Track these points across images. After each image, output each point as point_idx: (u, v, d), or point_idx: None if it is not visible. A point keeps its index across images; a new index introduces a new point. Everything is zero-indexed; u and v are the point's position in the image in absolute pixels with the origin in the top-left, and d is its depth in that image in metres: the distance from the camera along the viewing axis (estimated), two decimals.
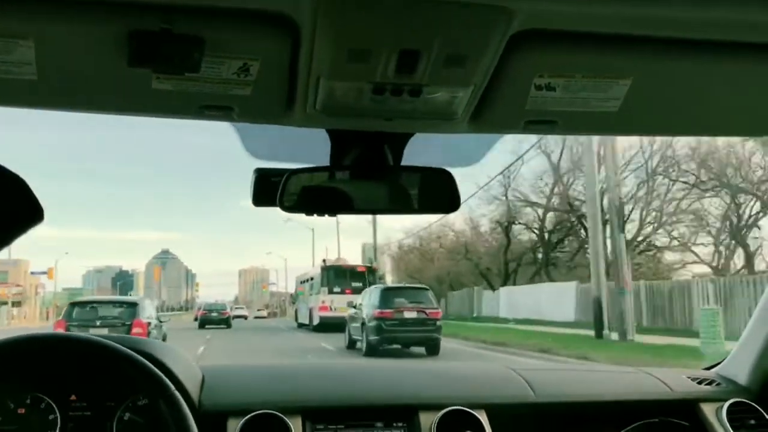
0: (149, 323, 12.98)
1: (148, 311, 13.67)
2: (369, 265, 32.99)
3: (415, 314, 15.61)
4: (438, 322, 15.80)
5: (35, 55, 0.89)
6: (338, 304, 25.07)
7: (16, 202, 0.50)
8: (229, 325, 34.60)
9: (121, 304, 13.52)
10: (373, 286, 18.47)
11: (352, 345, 17.41)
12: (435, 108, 1.09)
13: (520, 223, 37.98)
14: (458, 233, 42.77)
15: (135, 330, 12.43)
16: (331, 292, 26.66)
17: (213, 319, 34.83)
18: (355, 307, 17.75)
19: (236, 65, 0.94)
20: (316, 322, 26.90)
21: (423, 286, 19.56)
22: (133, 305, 13.02)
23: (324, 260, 30.30)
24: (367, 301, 16.41)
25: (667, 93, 1.09)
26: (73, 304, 14.16)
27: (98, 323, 12.64)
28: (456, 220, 41.42)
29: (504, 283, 37.41)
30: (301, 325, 32.19)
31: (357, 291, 23.74)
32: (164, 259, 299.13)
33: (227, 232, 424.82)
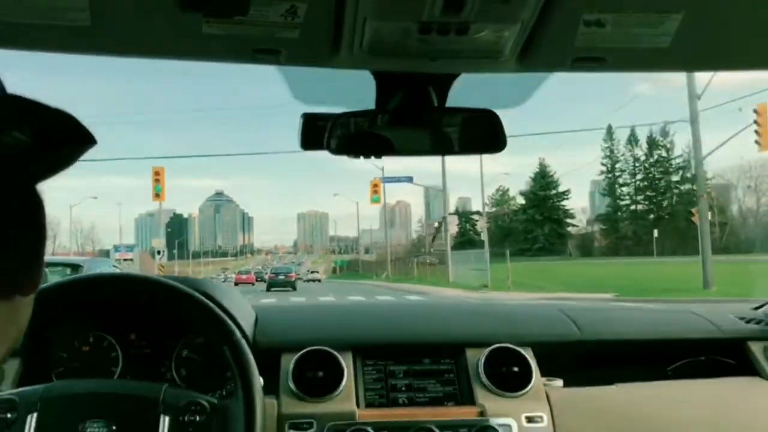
0: None
1: None
2: None
3: None
4: None
5: (89, 0, 0.91)
6: None
7: (65, 129, 0.51)
8: (294, 288, 34.90)
9: (61, 266, 9.89)
10: None
11: None
12: (481, 47, 1.08)
13: None
14: None
15: None
16: None
17: (279, 282, 35.64)
18: None
19: (283, 7, 0.95)
20: None
21: None
22: (75, 268, 9.78)
23: None
24: None
25: (720, 26, 1.06)
26: None
27: None
28: None
29: None
30: None
31: None
32: (218, 201, 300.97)
33: (286, 177, 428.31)
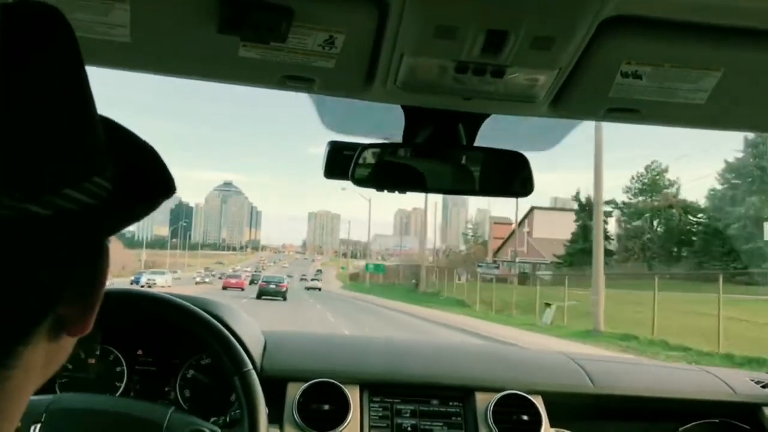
0: None
1: None
2: None
3: None
4: None
5: (130, 17, 0.91)
6: None
7: (149, 174, 0.48)
8: (285, 298, 34.60)
9: None
10: None
11: None
12: (516, 90, 1.08)
13: None
14: None
15: None
16: None
17: (270, 291, 35.33)
18: None
19: (322, 37, 0.95)
20: None
21: None
22: None
23: None
24: None
25: (759, 87, 1.04)
26: None
27: None
28: None
29: None
30: None
31: None
32: (226, 192, 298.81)
33: (297, 177, 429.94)
